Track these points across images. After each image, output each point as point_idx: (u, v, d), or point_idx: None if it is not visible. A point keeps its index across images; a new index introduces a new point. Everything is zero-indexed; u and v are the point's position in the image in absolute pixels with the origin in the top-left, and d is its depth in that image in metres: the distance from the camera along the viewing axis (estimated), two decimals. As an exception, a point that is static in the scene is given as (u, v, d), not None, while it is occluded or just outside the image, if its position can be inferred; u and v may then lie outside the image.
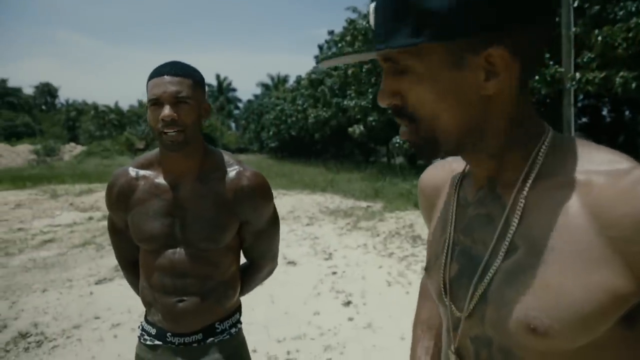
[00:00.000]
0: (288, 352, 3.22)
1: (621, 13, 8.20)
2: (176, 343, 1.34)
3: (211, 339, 1.36)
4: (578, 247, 0.50)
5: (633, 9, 7.87)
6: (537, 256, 0.53)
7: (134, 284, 1.51)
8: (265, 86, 50.81)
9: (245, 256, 1.49)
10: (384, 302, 4.16)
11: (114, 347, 3.41)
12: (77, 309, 4.22)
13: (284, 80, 50.50)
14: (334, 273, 5.15)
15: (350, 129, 16.71)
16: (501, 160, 0.59)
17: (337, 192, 13.16)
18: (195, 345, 1.35)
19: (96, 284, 4.98)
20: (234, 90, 66.48)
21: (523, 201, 0.56)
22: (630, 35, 7.58)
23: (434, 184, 0.78)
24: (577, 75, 8.33)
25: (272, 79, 51.33)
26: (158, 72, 1.21)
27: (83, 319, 3.97)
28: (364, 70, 15.56)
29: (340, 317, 3.82)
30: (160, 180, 1.33)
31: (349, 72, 16.92)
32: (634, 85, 7.70)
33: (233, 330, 1.42)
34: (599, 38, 7.96)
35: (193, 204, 1.30)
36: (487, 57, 0.52)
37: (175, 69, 1.22)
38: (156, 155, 1.36)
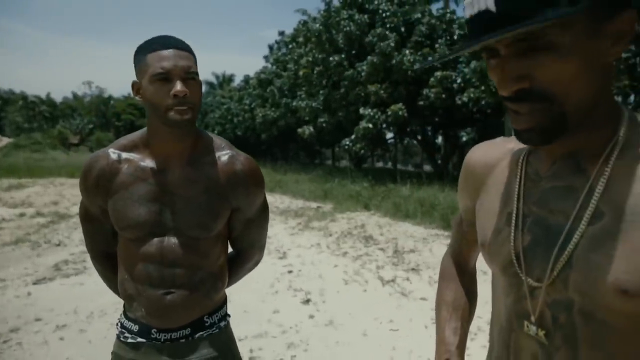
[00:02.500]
0: (251, 351, 3.15)
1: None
2: (162, 340, 1.24)
3: (200, 333, 1.27)
4: None
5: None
6: (625, 222, 0.55)
7: (109, 277, 1.39)
8: (209, 85, 49.70)
9: (233, 246, 1.41)
10: (343, 300, 4.18)
11: (61, 350, 3.17)
12: (13, 311, 3.88)
13: (229, 79, 49.66)
14: (290, 272, 5.11)
15: (299, 130, 16.71)
16: (590, 133, 0.61)
17: (285, 192, 13.12)
18: (182, 341, 1.25)
19: (34, 283, 4.62)
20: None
21: (608, 171, 0.58)
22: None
23: (486, 161, 0.79)
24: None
25: (217, 77, 50.28)
26: (162, 44, 1.11)
27: (22, 321, 3.66)
28: (315, 71, 15.63)
29: (301, 315, 3.79)
30: (147, 163, 1.23)
31: (300, 73, 16.93)
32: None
33: (222, 323, 1.34)
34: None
35: (183, 189, 1.22)
36: (621, 21, 0.54)
37: (179, 42, 1.14)
38: (141, 137, 1.25)
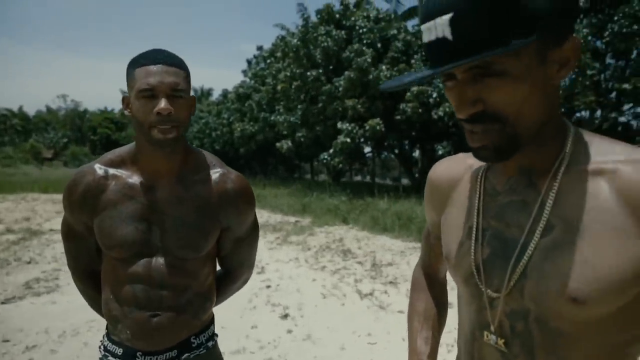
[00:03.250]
0: (228, 367, 3.11)
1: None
2: None
3: (187, 354, 1.23)
4: (612, 225, 0.57)
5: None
6: (573, 234, 0.60)
7: (91, 297, 1.34)
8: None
9: (222, 265, 1.37)
10: (321, 314, 4.17)
11: (30, 370, 3.07)
12: (-20, 331, 3.75)
13: (207, 93, 49.52)
14: (268, 287, 5.08)
15: (278, 144, 16.73)
16: (539, 150, 0.65)
17: (264, 207, 13.05)
18: None
19: (3, 303, 4.46)
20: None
21: (557, 185, 0.63)
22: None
23: (450, 176, 0.83)
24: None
25: (195, 91, 50.12)
26: (151, 59, 1.07)
27: (-11, 341, 3.54)
28: (293, 86, 15.74)
29: (279, 330, 3.77)
30: (135, 180, 1.18)
31: (278, 87, 17.01)
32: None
33: (210, 343, 1.30)
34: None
35: (172, 207, 1.18)
36: (567, 49, 0.59)
37: (169, 57, 1.10)
38: (129, 153, 1.21)
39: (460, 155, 0.85)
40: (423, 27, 0.59)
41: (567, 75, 0.62)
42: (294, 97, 16.27)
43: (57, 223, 9.45)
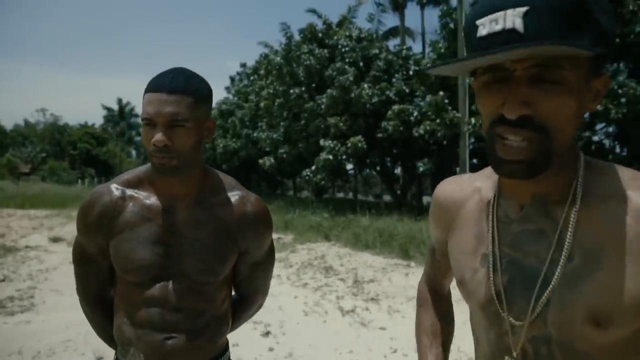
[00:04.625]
0: (208, 387, 3.07)
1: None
2: None
3: None
4: (630, 251, 0.60)
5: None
6: (593, 262, 0.62)
7: (98, 323, 1.29)
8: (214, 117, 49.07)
9: (237, 290, 1.31)
10: (303, 332, 4.16)
11: (3, 392, 2.99)
12: (-49, 352, 3.64)
13: (190, 109, 49.27)
14: (250, 304, 5.04)
15: (261, 161, 16.75)
16: (553, 178, 0.66)
17: (246, 223, 12.98)
18: None
19: (-25, 322, 4.34)
20: (137, 116, 63.20)
21: (574, 216, 0.64)
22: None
23: (456, 198, 0.83)
24: (472, 120, 9.30)
25: (178, 107, 49.86)
26: (155, 86, 1.05)
27: (-40, 363, 3.43)
28: (276, 104, 15.85)
29: (260, 348, 3.75)
30: (153, 201, 1.15)
31: (261, 104, 17.11)
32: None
33: None
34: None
35: (191, 231, 1.15)
36: (602, 81, 0.62)
37: (175, 83, 1.05)
38: (146, 173, 1.18)
39: (467, 175, 0.86)
40: (485, 19, 0.58)
41: (595, 108, 0.64)
42: (276, 114, 16.38)
43: (33, 240, 9.24)
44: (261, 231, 1.23)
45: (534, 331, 0.67)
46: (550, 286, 0.64)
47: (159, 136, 1.03)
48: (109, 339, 1.30)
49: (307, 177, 14.79)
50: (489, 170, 0.79)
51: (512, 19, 0.55)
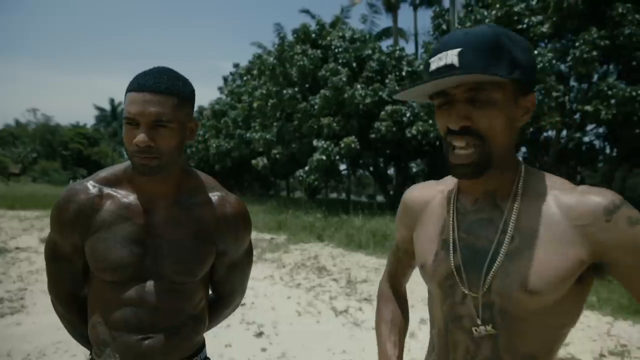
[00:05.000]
0: (200, 388, 3.06)
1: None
2: None
3: None
4: (556, 233, 0.78)
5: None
6: (529, 243, 0.80)
7: (73, 323, 1.28)
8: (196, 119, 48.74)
9: (214, 290, 1.33)
10: (296, 332, 4.16)
11: (-7, 395, 2.96)
12: (-60, 354, 3.60)
13: (183, 109, 49.01)
14: (243, 304, 5.03)
15: (254, 162, 16.71)
16: (500, 177, 0.85)
17: (239, 224, 12.95)
18: None
19: (-36, 324, 4.29)
20: (128, 116, 62.69)
21: (517, 207, 0.83)
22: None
23: (423, 199, 1.01)
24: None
25: (171, 107, 49.57)
26: (138, 86, 1.03)
27: (-51, 365, 3.40)
28: (269, 104, 15.82)
29: (253, 349, 3.74)
30: (131, 200, 1.14)
31: (254, 105, 17.08)
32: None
33: None
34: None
35: (169, 231, 1.14)
36: (529, 100, 0.81)
37: (159, 83, 1.04)
38: (125, 171, 1.17)
39: (430, 182, 1.04)
40: (434, 58, 0.79)
41: (527, 121, 0.83)
42: (270, 114, 16.35)
43: (23, 241, 9.16)
44: (240, 232, 1.24)
45: (482, 299, 0.83)
46: (497, 262, 0.81)
47: (142, 136, 1.02)
48: (83, 339, 1.28)
49: (300, 178, 14.78)
50: (449, 177, 0.98)
51: (450, 57, 0.76)
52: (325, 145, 13.56)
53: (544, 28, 9.28)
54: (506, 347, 0.82)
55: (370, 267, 7.00)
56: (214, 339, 3.93)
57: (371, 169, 17.24)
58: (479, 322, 0.84)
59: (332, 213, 13.09)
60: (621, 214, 0.75)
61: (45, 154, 46.24)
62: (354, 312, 4.73)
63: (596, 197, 0.77)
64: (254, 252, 8.24)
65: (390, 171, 18.83)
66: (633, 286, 0.77)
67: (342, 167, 18.15)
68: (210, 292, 1.34)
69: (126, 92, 1.06)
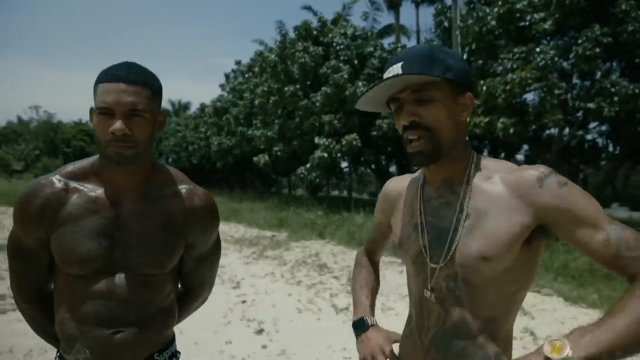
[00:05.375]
0: (201, 384, 3.07)
1: (500, 69, 9.42)
2: None
3: None
4: (504, 207, 0.92)
5: (509, 66, 9.08)
6: (482, 217, 0.94)
7: (38, 320, 1.27)
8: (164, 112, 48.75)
9: (182, 283, 1.35)
10: (296, 329, 4.16)
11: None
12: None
13: (185, 106, 49.13)
14: (244, 302, 5.04)
15: (255, 159, 16.72)
16: (454, 165, 1.00)
17: (240, 221, 12.97)
18: None
19: (-34, 321, 4.31)
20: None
21: (470, 189, 0.97)
22: (508, 88, 8.71)
23: (397, 190, 1.19)
24: (467, 118, 9.35)
25: (173, 104, 49.64)
26: (112, 76, 1.05)
27: (-50, 361, 3.41)
28: (270, 101, 15.80)
29: (254, 345, 3.75)
30: (98, 194, 1.14)
31: (256, 102, 17.06)
32: (511, 130, 8.81)
33: None
34: (484, 88, 9.02)
35: (137, 223, 1.14)
36: (466, 98, 0.98)
37: (133, 74, 1.06)
38: (92, 165, 1.17)
39: (405, 175, 1.21)
40: (387, 71, 0.96)
41: (468, 116, 0.99)
42: (271, 111, 16.33)
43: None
44: (208, 225, 1.25)
45: (446, 270, 0.98)
46: (457, 238, 0.95)
47: (119, 124, 1.03)
48: (49, 337, 1.27)
49: (301, 175, 14.77)
50: (420, 170, 1.13)
51: (396, 69, 0.95)
52: (326, 143, 13.55)
53: (547, 25, 9.21)
54: (470, 312, 0.95)
55: (371, 265, 6.99)
56: (214, 335, 3.94)
57: (373, 166, 17.22)
58: (429, 286, 1.01)
59: (334, 210, 13.09)
60: (551, 180, 0.88)
61: (48, 151, 46.31)
62: (355, 310, 4.72)
63: (530, 170, 0.91)
64: (256, 250, 8.31)
65: (392, 168, 18.80)
66: (576, 239, 0.86)
67: (344, 164, 18.15)
68: (179, 286, 1.35)
69: (96, 84, 1.07)
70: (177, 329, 1.36)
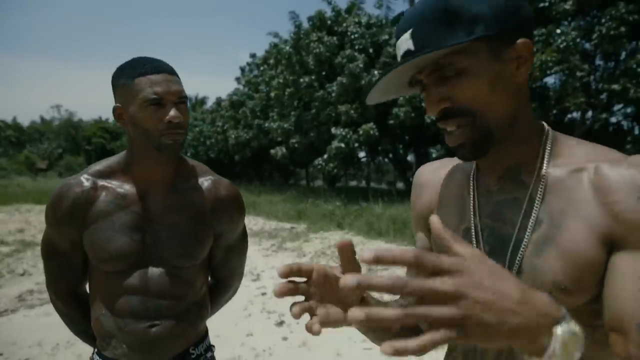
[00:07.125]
0: (223, 376, 3.10)
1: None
2: None
3: None
4: (584, 214, 0.63)
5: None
6: (558, 227, 0.65)
7: (73, 318, 1.29)
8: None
9: (212, 275, 1.36)
10: (317, 320, 4.17)
11: (24, 384, 3.05)
12: (-27, 345, 3.73)
13: (202, 101, 49.53)
14: (264, 294, 5.07)
15: (272, 151, 16.75)
16: (521, 148, 0.71)
17: (259, 213, 13.05)
18: None
19: (-4, 316, 4.44)
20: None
21: (544, 181, 0.68)
22: (528, 71, 8.50)
23: (435, 178, 0.88)
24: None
25: (190, 100, 50.14)
26: (154, 68, 1.07)
27: (-18, 355, 3.52)
28: (286, 93, 15.78)
29: (274, 337, 3.77)
30: (127, 189, 1.16)
31: (272, 94, 17.06)
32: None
33: (209, 354, 1.30)
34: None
35: (167, 216, 1.16)
36: (518, 47, 0.65)
37: (168, 66, 1.11)
38: (119, 163, 1.19)
39: (445, 159, 0.90)
40: (396, 47, 0.69)
41: (527, 72, 0.67)
42: (287, 103, 16.31)
43: (51, 234, 9.40)
44: (234, 214, 1.27)
45: None
46: (520, 252, 0.68)
47: (175, 112, 1.07)
48: (85, 335, 1.29)
49: (319, 166, 14.76)
50: None
51: (405, 43, 0.66)
52: (343, 133, 13.48)
53: (567, 5, 8.95)
54: None
55: (391, 255, 6.95)
56: (235, 327, 3.97)
57: (390, 155, 17.09)
58: None
59: (352, 201, 13.05)
60: None
61: (70, 149, 47.33)
62: (375, 300, 4.71)
63: (632, 170, 0.61)
64: (275, 242, 8.35)
65: (410, 157, 18.63)
66: (613, 286, 0.61)
67: (361, 154, 18.06)
68: (210, 279, 1.36)
69: (133, 78, 1.07)
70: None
